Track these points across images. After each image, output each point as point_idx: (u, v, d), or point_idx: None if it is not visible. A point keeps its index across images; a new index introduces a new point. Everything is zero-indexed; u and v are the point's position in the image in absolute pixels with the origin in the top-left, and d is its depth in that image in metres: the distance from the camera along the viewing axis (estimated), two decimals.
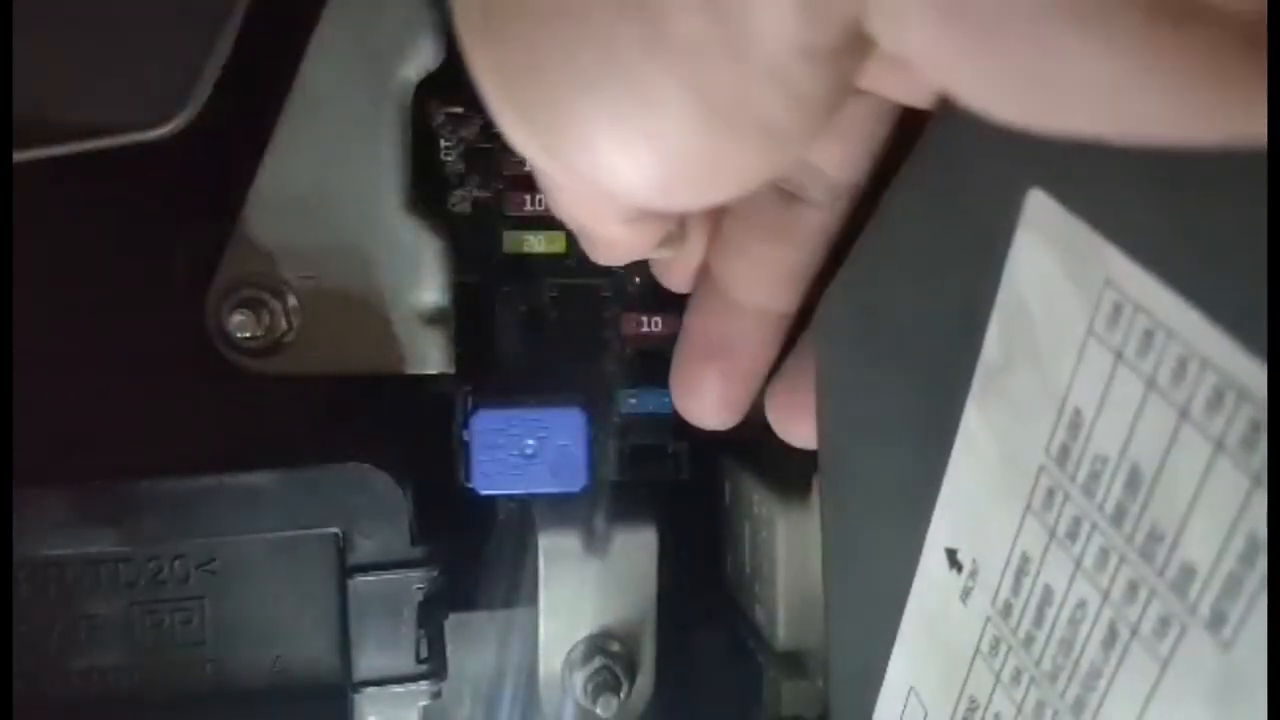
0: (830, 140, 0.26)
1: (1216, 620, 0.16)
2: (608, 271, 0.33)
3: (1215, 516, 0.15)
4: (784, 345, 0.29)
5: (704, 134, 0.16)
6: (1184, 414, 0.16)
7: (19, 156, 0.25)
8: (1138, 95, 0.13)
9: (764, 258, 0.28)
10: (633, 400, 0.34)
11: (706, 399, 0.30)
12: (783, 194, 0.27)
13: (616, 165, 0.17)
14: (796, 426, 0.29)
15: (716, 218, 0.28)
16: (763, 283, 0.28)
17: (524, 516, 0.36)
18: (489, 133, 0.32)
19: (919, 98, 0.23)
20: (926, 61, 0.14)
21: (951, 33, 0.13)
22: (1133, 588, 0.17)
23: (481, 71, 0.18)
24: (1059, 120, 0.14)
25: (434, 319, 0.32)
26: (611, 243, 0.25)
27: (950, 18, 0.13)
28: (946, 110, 0.21)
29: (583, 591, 0.35)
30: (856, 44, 0.15)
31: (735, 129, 0.16)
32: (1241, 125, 0.12)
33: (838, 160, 0.26)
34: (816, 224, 0.27)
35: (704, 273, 0.29)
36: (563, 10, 0.16)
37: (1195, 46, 0.12)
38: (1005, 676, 0.21)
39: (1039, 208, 0.19)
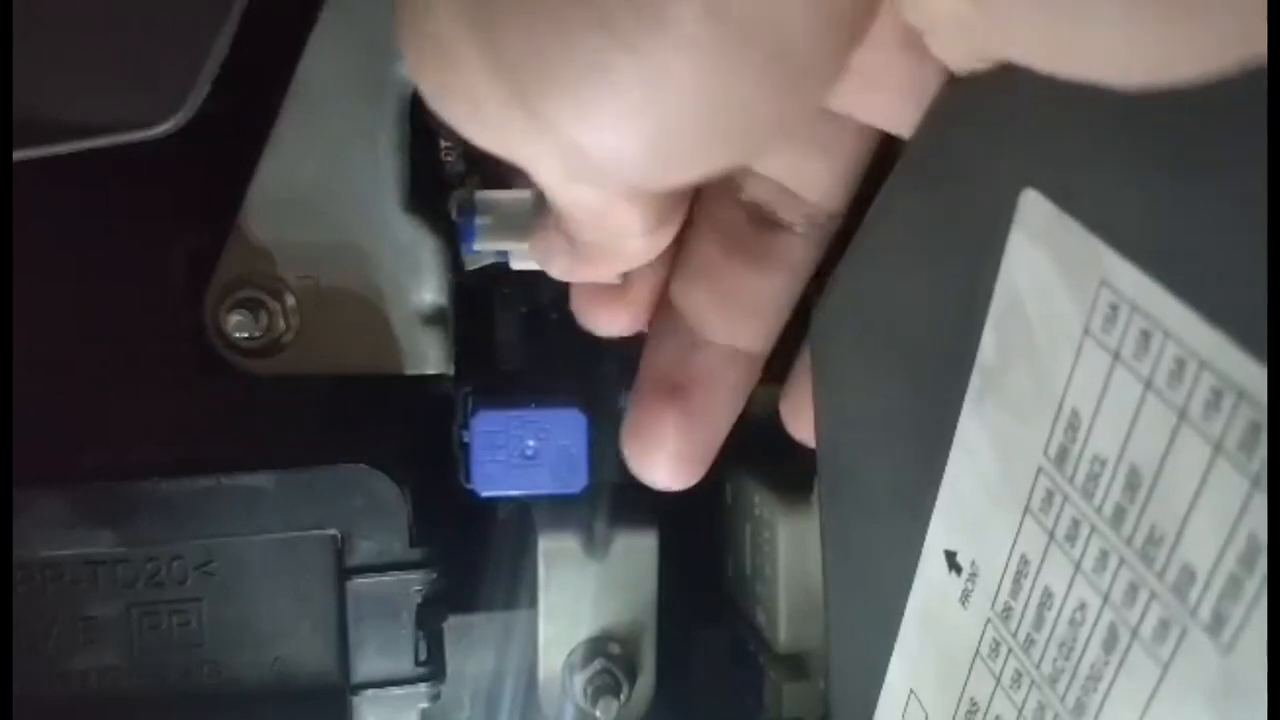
0: (809, 164, 0.25)
1: (1217, 623, 0.15)
2: None
3: (1215, 518, 0.15)
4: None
5: (714, 56, 0.16)
6: (1182, 415, 0.16)
7: (18, 155, 0.25)
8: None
9: (735, 286, 0.26)
10: None
11: (663, 451, 0.27)
12: (758, 218, 0.26)
13: (616, 123, 0.17)
14: (809, 428, 0.27)
15: (680, 241, 0.26)
16: (732, 316, 0.26)
17: (524, 518, 0.36)
18: None
19: (894, 121, 0.22)
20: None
21: None
22: (1132, 590, 0.17)
23: (467, 46, 0.17)
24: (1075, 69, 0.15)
25: (433, 319, 0.31)
26: (631, 257, 0.24)
27: None
28: (939, 112, 0.21)
29: (583, 594, 0.35)
30: None
31: (748, 49, 0.16)
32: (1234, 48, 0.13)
33: (816, 185, 0.25)
34: (792, 252, 0.26)
35: (665, 307, 0.27)
36: None
37: None
38: (1006, 679, 0.21)
39: (1033, 208, 0.19)
